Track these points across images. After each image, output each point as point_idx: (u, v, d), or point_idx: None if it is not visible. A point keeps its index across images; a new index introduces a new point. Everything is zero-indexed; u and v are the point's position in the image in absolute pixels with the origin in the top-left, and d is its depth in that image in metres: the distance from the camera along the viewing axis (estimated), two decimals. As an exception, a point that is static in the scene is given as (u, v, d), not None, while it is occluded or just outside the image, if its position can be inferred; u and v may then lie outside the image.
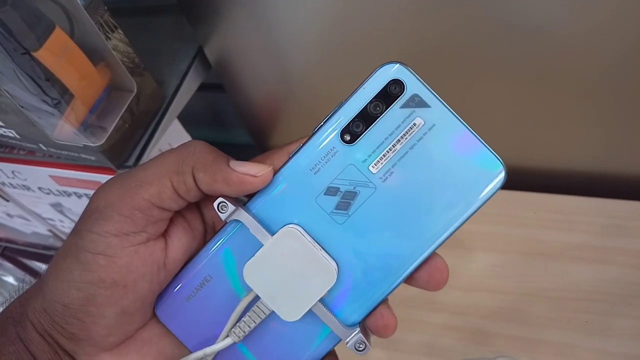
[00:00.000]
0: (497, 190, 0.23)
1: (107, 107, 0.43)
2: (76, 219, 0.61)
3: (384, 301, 0.25)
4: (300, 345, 0.26)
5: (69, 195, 0.55)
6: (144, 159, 0.46)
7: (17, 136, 0.47)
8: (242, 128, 0.67)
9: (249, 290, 0.25)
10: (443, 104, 0.23)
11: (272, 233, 0.25)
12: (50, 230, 0.71)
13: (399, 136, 0.24)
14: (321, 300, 0.25)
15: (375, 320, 0.25)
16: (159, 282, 0.26)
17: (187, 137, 0.54)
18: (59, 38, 0.37)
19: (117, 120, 0.43)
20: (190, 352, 0.27)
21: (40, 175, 0.53)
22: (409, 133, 0.24)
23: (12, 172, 0.55)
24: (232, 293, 0.26)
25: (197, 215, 0.27)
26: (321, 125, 0.25)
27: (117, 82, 0.44)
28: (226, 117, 0.71)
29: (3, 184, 0.59)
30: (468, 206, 0.24)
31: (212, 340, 0.26)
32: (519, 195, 0.53)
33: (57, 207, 0.60)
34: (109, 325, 0.25)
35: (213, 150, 0.25)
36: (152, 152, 0.47)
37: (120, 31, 0.42)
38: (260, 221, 0.25)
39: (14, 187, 0.59)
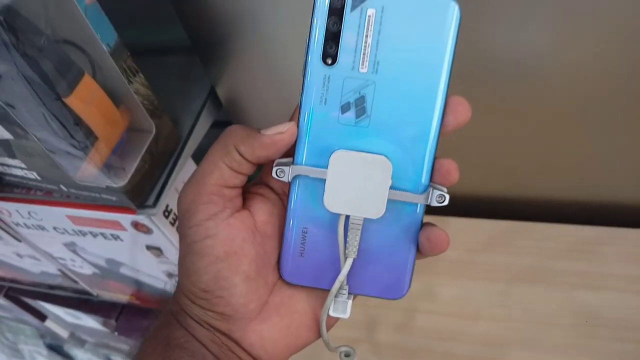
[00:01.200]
0: (460, 19, 0.27)
1: (128, 148, 0.45)
2: (90, 258, 0.62)
3: (436, 157, 0.29)
4: (398, 232, 0.30)
5: (84, 234, 0.56)
6: (163, 197, 0.47)
7: (38, 178, 0.49)
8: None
9: (338, 216, 0.29)
10: None
11: (325, 167, 0.28)
12: (59, 270, 0.72)
13: (365, 32, 0.27)
14: (392, 187, 0.28)
15: (439, 172, 0.29)
16: (258, 243, 0.30)
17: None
18: (88, 84, 0.39)
19: (137, 161, 0.45)
20: (328, 290, 0.30)
21: (56, 215, 0.54)
22: (370, 24, 0.27)
23: (29, 212, 0.56)
24: (328, 228, 0.30)
25: (266, 189, 0.32)
26: (304, 68, 0.28)
27: (136, 123, 0.45)
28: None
29: (17, 224, 0.60)
30: (446, 42, 0.27)
31: (337, 271, 0.30)
32: (518, 225, 0.55)
33: (70, 246, 0.61)
34: (242, 293, 0.29)
35: (246, 127, 0.29)
36: (169, 191, 0.48)
37: (141, 75, 0.44)
38: (311, 165, 0.29)
39: (28, 228, 0.60)
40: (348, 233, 0.29)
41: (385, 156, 0.28)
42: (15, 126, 0.41)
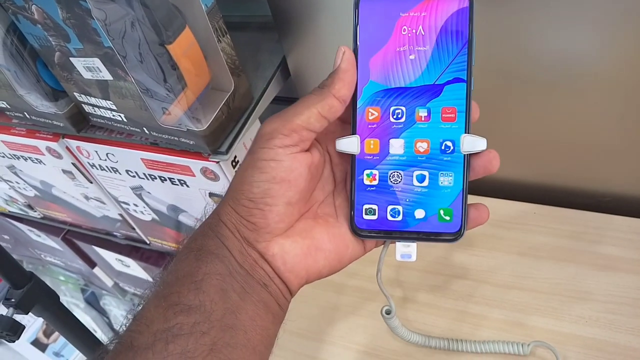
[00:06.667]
0: None
1: (210, 99, 0.51)
2: (153, 203, 0.68)
3: None
4: None
5: (154, 178, 0.62)
6: (233, 149, 0.53)
7: (125, 120, 0.55)
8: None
9: None
10: None
11: None
12: (120, 215, 0.78)
13: None
14: None
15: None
16: (308, 180, 0.36)
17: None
18: (187, 37, 0.45)
19: (217, 111, 0.50)
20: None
21: (132, 157, 0.60)
22: None
23: (107, 154, 0.62)
24: None
25: (318, 145, 0.38)
26: None
27: (219, 79, 0.51)
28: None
29: (93, 165, 0.67)
30: None
31: None
32: (552, 210, 0.59)
33: (137, 190, 0.67)
34: (280, 213, 0.35)
35: None
36: (239, 144, 0.54)
37: (228, 36, 0.50)
38: None
39: (102, 169, 0.66)
40: None
41: None
42: (118, 68, 0.48)
